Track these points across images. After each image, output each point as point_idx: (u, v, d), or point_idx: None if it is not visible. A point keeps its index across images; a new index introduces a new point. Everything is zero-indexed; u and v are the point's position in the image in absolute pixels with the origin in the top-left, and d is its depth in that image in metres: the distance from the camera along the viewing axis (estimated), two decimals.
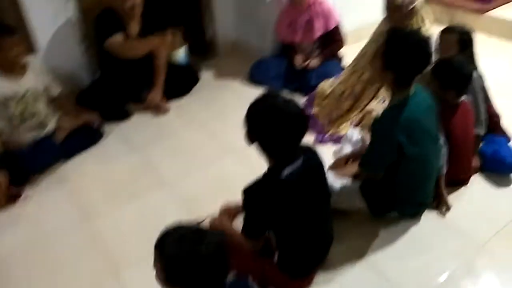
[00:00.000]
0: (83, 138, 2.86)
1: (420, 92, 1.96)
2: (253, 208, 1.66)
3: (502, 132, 2.51)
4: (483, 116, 2.39)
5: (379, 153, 1.97)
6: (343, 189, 2.08)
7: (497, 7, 4.03)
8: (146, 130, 3.06)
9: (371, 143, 2.02)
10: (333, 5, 3.34)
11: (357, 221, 2.15)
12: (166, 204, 2.42)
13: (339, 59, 3.46)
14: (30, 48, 3.02)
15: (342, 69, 3.30)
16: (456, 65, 2.16)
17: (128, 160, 2.79)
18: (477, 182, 2.37)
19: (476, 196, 2.30)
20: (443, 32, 2.43)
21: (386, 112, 1.96)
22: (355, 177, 2.21)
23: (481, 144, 2.42)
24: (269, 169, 1.66)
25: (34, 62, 2.75)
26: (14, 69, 2.57)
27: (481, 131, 2.39)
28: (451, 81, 2.16)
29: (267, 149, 1.63)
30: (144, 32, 3.09)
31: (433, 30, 2.62)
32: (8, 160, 2.53)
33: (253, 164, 2.61)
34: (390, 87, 1.97)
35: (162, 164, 2.73)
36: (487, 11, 3.97)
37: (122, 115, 3.16)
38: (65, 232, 2.28)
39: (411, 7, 2.52)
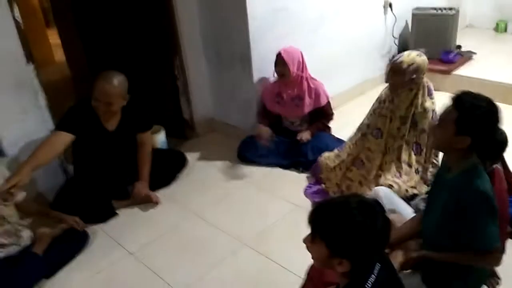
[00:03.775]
0: (69, 246, 2.45)
1: None
2: None
3: None
4: None
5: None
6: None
7: (459, 66, 4.22)
8: (138, 228, 2.70)
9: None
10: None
11: None
12: None
13: (329, 130, 3.37)
14: None
15: (335, 140, 3.22)
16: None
17: (126, 266, 2.41)
18: None
19: None
20: None
21: (467, 178, 1.77)
22: (403, 267, 1.98)
23: None
24: (350, 283, 1.42)
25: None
26: None
27: None
28: (488, 151, 2.07)
29: (355, 260, 1.39)
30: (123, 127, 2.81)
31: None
32: None
33: (271, 255, 2.38)
34: (459, 152, 1.83)
35: (166, 267, 2.37)
36: (452, 71, 4.14)
37: (107, 214, 2.79)
38: None
39: (413, 76, 2.49)
